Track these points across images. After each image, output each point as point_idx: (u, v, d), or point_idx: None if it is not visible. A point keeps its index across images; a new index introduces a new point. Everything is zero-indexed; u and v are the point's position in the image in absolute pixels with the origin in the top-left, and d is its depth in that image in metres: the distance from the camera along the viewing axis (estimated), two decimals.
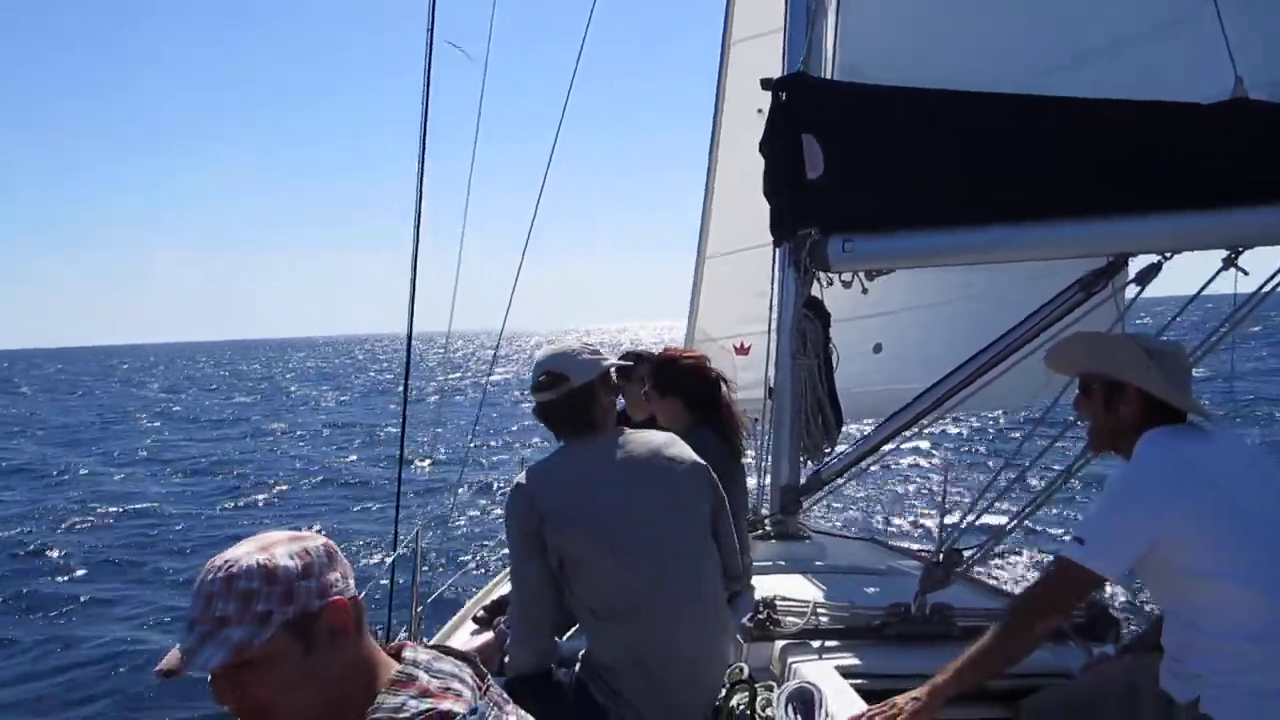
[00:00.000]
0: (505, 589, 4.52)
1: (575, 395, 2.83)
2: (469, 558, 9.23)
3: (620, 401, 4.13)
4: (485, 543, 9.51)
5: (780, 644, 3.23)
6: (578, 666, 2.85)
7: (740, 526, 3.13)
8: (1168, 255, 3.46)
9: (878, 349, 5.77)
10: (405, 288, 4.33)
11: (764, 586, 3.50)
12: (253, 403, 45.98)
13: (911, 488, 13.39)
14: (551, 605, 2.83)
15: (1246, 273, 3.29)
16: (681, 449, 2.90)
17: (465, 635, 4.13)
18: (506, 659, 2.92)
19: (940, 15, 4.08)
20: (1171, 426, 2.49)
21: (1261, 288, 3.30)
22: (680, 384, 3.90)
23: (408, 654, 1.48)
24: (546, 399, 2.85)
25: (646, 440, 2.88)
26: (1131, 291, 3.60)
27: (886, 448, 4.37)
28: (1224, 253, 3.32)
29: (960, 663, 2.46)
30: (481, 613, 4.30)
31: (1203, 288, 3.39)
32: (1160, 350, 2.55)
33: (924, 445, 15.33)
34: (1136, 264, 3.67)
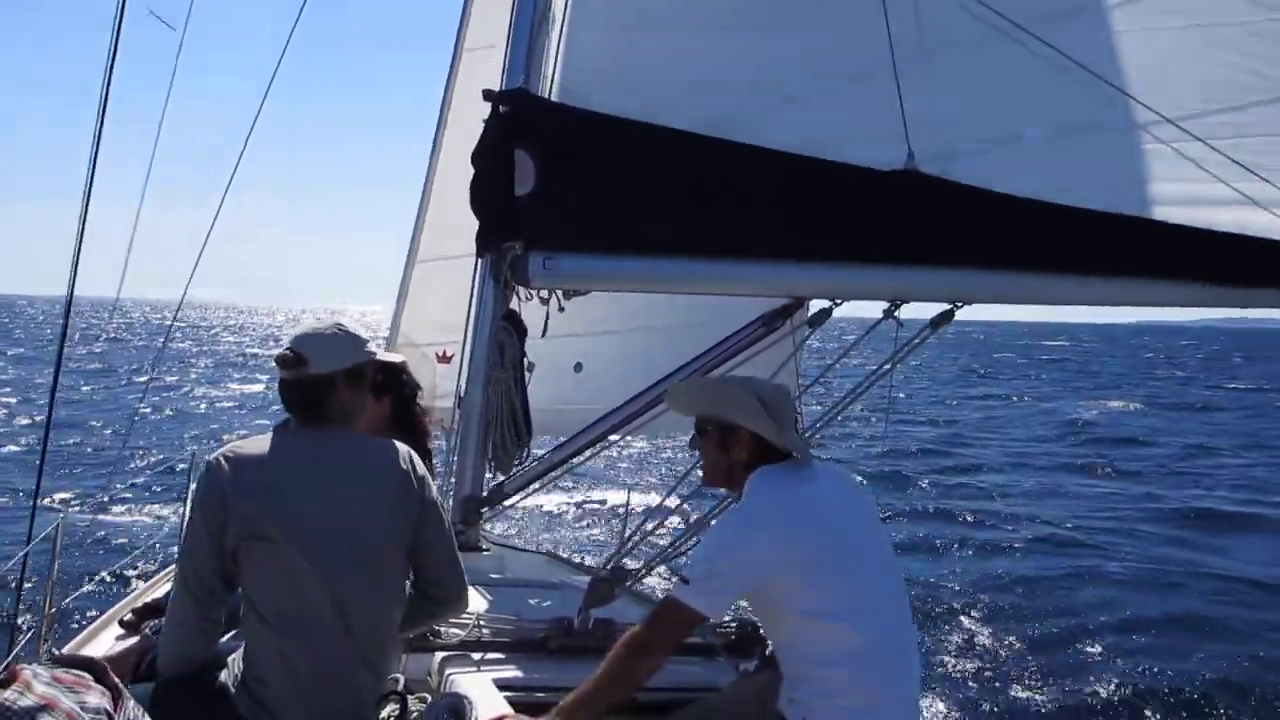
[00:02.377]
0: (159, 592, 4.21)
1: (310, 382, 2.67)
2: (120, 557, 8.50)
3: None
4: (139, 541, 8.81)
5: (440, 655, 3.20)
6: (224, 673, 2.69)
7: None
8: (838, 301, 3.75)
9: (578, 368, 5.88)
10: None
11: None
12: None
13: (599, 503, 13.68)
14: (218, 600, 2.64)
15: (902, 323, 3.63)
16: (408, 462, 2.75)
17: (109, 640, 3.81)
18: (159, 656, 2.71)
19: (656, 49, 4.22)
20: (778, 465, 2.68)
21: (914, 338, 3.63)
22: (395, 387, 3.83)
23: (8, 694, 1.28)
24: (281, 377, 2.68)
25: (370, 446, 2.76)
26: (805, 331, 3.86)
27: (573, 464, 4.45)
28: (886, 304, 3.65)
29: (582, 690, 2.51)
30: (130, 616, 3.99)
31: (863, 335, 3.71)
32: (770, 398, 2.73)
33: (617, 462, 15.69)
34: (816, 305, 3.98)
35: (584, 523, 12.49)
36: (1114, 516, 14.46)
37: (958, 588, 10.20)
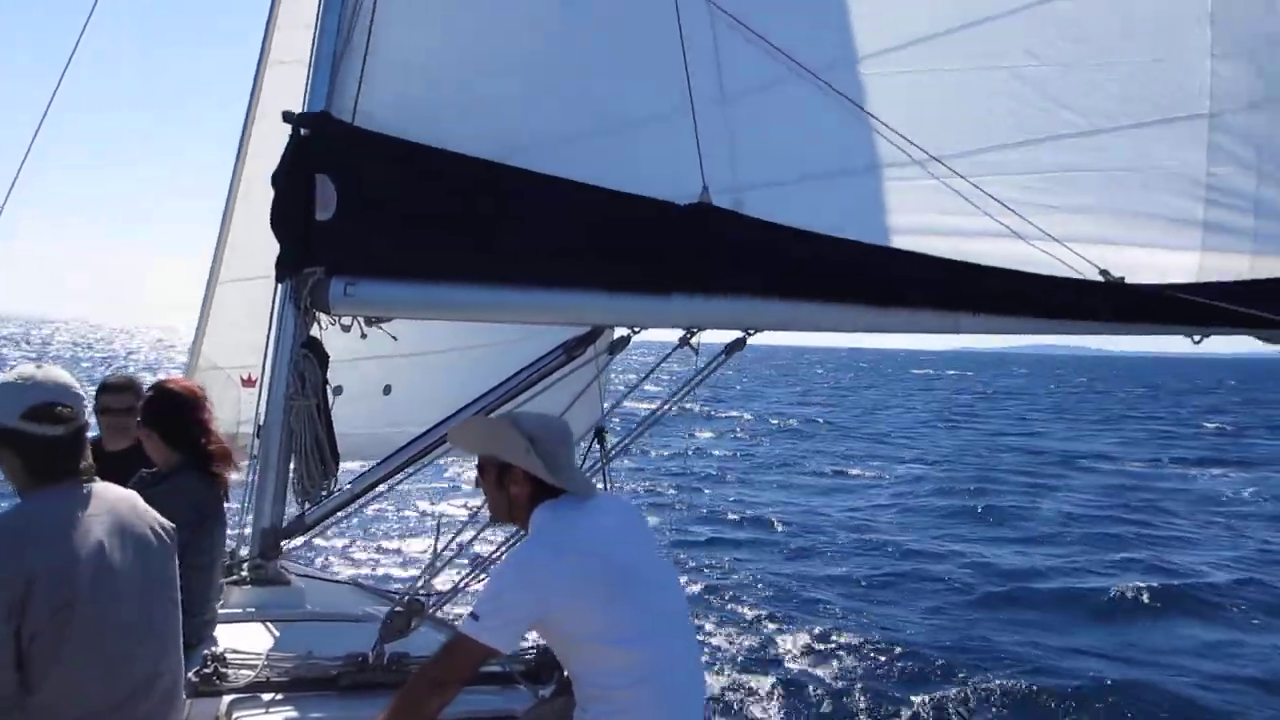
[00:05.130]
0: None
1: (79, 434, 2.50)
2: None
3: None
4: None
5: (228, 698, 3.11)
6: None
7: (212, 578, 2.96)
8: (636, 329, 3.86)
9: (387, 390, 5.81)
10: None
11: (225, 637, 3.37)
12: None
13: (412, 528, 13.36)
14: (13, 691, 2.37)
15: (697, 351, 3.75)
16: (153, 511, 2.68)
17: None
18: None
19: (462, 77, 4.23)
20: (561, 499, 2.76)
21: (709, 364, 3.77)
22: (165, 418, 3.70)
23: None
24: (52, 434, 2.43)
25: (124, 498, 2.64)
26: (605, 359, 3.95)
27: (378, 491, 4.40)
28: (681, 332, 3.77)
29: None
30: None
31: (660, 361, 3.82)
32: (540, 435, 2.80)
33: (432, 484, 15.26)
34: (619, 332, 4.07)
35: (395, 549, 12.22)
36: None
37: None
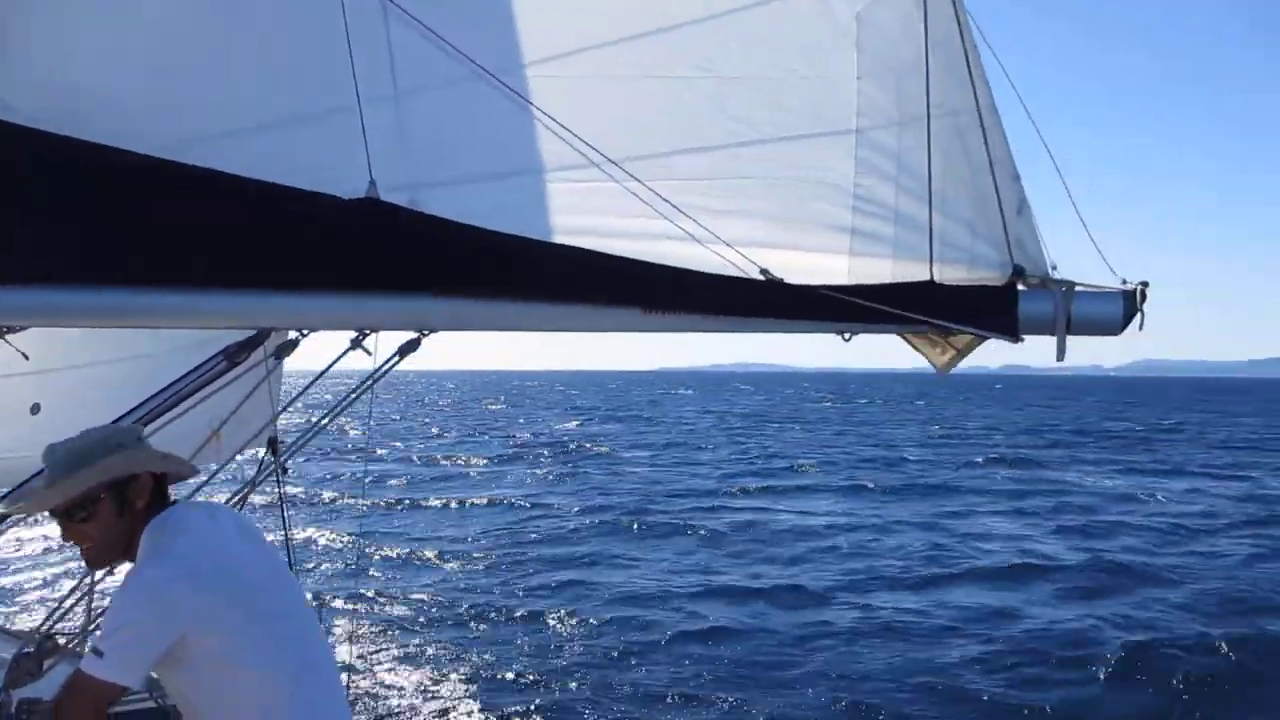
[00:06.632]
0: None
1: None
2: None
3: None
4: None
5: None
6: None
7: None
8: (305, 332, 3.67)
9: (35, 409, 5.26)
10: None
11: None
12: None
13: (64, 559, 12.23)
14: None
15: (370, 353, 3.63)
16: None
17: None
18: None
19: (114, 63, 3.86)
20: (172, 510, 2.57)
21: (381, 366, 3.64)
22: None
23: None
24: None
25: None
26: (273, 363, 3.73)
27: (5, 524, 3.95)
28: (354, 333, 3.62)
29: None
30: None
31: (330, 365, 3.66)
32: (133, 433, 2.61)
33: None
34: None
35: (45, 580, 11.03)
36: None
37: None
